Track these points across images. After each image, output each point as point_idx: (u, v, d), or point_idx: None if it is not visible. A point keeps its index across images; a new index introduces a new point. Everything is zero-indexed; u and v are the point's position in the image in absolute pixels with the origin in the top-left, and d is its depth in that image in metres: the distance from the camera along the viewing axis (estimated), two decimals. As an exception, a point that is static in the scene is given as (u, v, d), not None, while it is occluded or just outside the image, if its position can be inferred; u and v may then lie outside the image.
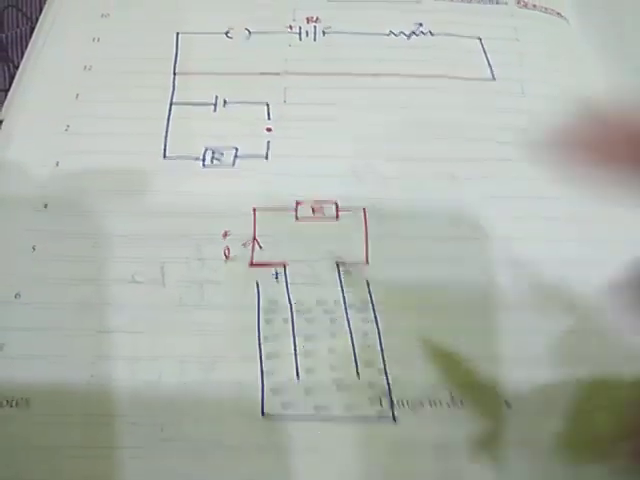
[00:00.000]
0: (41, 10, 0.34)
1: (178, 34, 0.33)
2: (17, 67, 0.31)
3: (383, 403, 0.22)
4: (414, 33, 0.32)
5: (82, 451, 0.21)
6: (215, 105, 0.29)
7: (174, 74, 0.31)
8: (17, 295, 0.24)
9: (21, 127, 0.29)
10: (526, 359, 0.23)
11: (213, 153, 0.27)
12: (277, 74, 0.31)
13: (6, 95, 0.30)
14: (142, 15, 0.33)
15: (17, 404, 0.22)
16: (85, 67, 0.31)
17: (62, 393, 0.22)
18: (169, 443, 0.21)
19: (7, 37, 0.34)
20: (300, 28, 0.32)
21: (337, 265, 0.25)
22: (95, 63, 0.31)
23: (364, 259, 0.26)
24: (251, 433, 0.22)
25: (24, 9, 0.35)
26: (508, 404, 0.22)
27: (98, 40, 0.33)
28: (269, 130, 0.29)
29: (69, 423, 0.21)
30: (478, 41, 0.32)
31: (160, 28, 0.33)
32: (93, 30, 0.33)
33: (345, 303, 0.24)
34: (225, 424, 0.22)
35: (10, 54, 0.34)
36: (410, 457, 0.21)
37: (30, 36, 0.33)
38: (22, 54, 0.32)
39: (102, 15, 0.33)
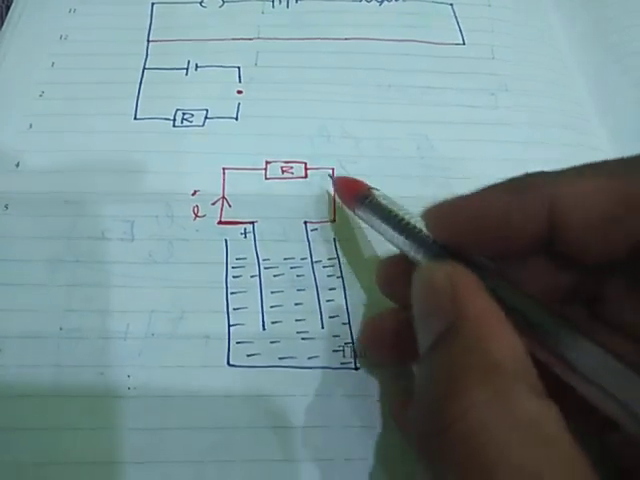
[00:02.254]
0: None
1: (153, 4, 0.33)
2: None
3: (346, 353, 0.23)
4: (386, -1, 0.33)
5: (51, 400, 0.21)
6: (187, 69, 0.30)
7: (148, 42, 0.31)
8: (-10, 251, 0.24)
9: (-3, 93, 0.29)
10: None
11: (183, 114, 0.28)
12: (249, 39, 0.31)
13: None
14: (118, -14, 0.33)
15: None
16: (61, 37, 0.32)
17: (33, 344, 0.22)
18: (136, 391, 0.22)
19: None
20: (274, -5, 0.33)
21: (305, 223, 0.26)
22: (71, 33, 0.32)
23: (332, 217, 0.26)
24: (217, 381, 0.22)
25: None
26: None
27: (74, 11, 0.33)
28: (240, 92, 0.29)
29: (39, 373, 0.22)
30: (450, 7, 0.33)
31: (136, -1, 0.33)
32: (70, 2, 0.33)
33: (312, 259, 0.25)
34: (192, 373, 0.22)
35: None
36: (371, 402, 0.22)
37: (6, 14, 0.33)
38: (-2, 31, 0.32)
39: (79, -13, 0.34)
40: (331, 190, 0.26)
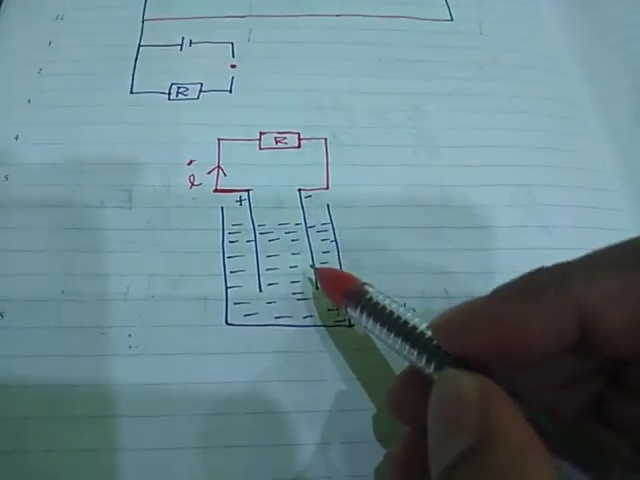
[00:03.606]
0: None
1: (147, -15, 0.34)
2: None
3: (340, 312, 0.23)
4: (375, -23, 0.33)
5: (52, 359, 0.22)
6: (181, 45, 0.30)
7: (143, 20, 0.32)
8: (-9, 221, 0.25)
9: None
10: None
11: (178, 88, 0.29)
12: (242, 17, 0.32)
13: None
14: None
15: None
16: (57, 17, 0.32)
17: (35, 307, 0.23)
18: (137, 349, 0.22)
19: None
20: (266, -26, 0.33)
21: (299, 191, 0.26)
22: (67, 13, 0.32)
23: (325, 185, 0.27)
24: (215, 340, 0.23)
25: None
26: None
27: (70, -7, 0.34)
28: (233, 67, 0.30)
29: (41, 335, 0.22)
30: (438, -17, 0.33)
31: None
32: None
33: (306, 224, 0.26)
34: (191, 331, 0.23)
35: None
36: (365, 356, 0.22)
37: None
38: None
39: (74, -31, 0.34)
40: (324, 158, 0.27)
